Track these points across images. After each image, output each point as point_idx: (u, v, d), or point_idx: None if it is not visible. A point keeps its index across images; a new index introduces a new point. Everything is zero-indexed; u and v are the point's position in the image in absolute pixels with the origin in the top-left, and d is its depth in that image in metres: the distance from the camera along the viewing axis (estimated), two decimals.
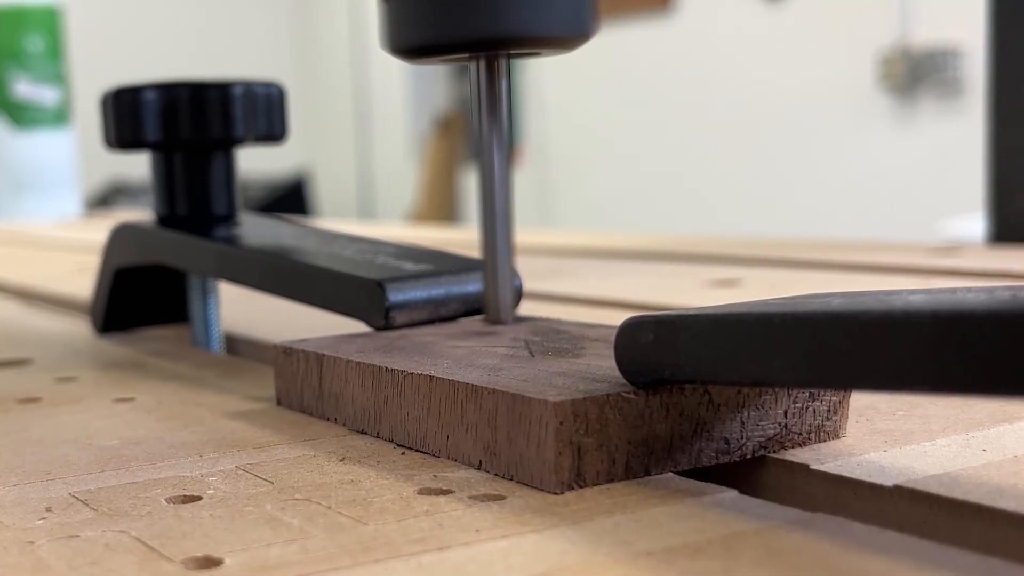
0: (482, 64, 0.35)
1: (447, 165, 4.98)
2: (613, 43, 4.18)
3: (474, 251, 0.45)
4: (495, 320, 0.37)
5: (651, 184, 4.11)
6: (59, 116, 1.74)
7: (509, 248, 0.36)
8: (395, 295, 0.38)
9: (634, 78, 4.13)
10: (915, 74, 3.29)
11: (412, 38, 0.33)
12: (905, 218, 3.32)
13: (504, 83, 0.35)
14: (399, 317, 0.38)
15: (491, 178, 0.35)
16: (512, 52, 0.35)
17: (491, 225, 0.36)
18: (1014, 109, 0.82)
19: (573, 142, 4.43)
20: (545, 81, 4.51)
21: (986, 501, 0.24)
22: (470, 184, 5.00)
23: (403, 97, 5.15)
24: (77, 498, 0.28)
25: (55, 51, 1.74)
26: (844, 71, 3.48)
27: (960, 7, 3.05)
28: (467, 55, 0.34)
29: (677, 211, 4.00)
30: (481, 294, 0.40)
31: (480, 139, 0.35)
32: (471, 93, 0.35)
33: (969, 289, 0.23)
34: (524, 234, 1.13)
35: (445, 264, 0.41)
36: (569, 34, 0.33)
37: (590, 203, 4.37)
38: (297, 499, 0.27)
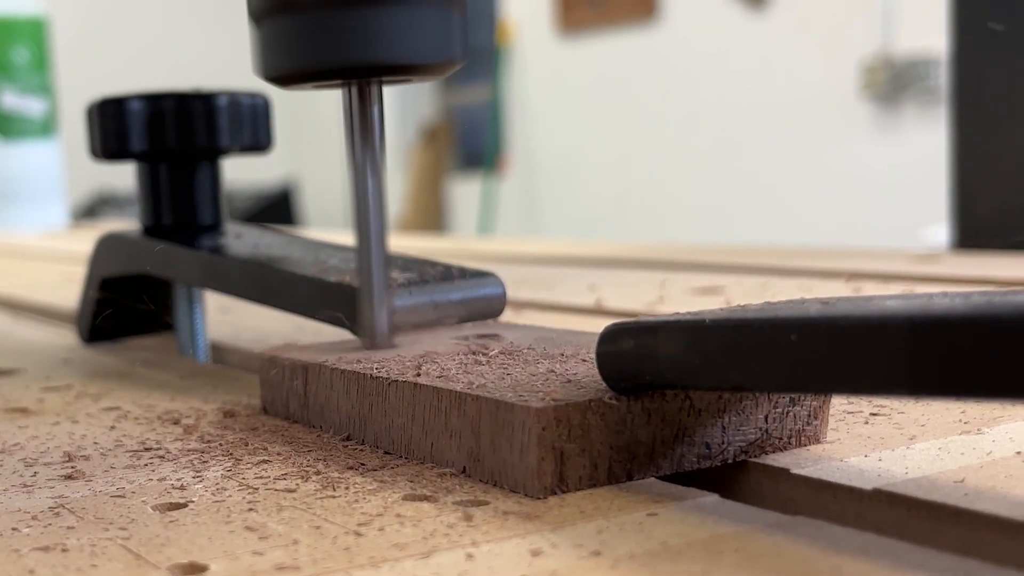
0: (354, 90, 0.35)
1: (433, 175, 4.98)
2: (598, 52, 4.19)
3: (462, 259, 0.46)
4: (371, 345, 0.36)
5: (635, 192, 4.11)
6: (45, 127, 1.74)
7: (384, 273, 0.36)
8: None
9: (619, 86, 4.13)
10: (897, 82, 3.30)
11: (283, 65, 0.34)
12: (887, 225, 3.33)
13: (376, 109, 0.35)
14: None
15: (365, 204, 0.35)
16: (383, 79, 0.35)
17: (366, 250, 0.36)
18: (975, 118, 0.83)
19: (558, 150, 4.43)
20: (530, 90, 4.52)
21: (963, 504, 0.24)
22: (456, 194, 5.00)
23: (389, 107, 5.15)
24: (63, 506, 0.28)
25: (41, 62, 1.74)
26: (827, 79, 3.49)
27: (941, 16, 3.06)
28: (339, 82, 0.35)
29: (661, 219, 4.01)
30: (469, 301, 0.40)
31: (353, 164, 0.35)
32: (344, 119, 0.35)
33: (945, 294, 0.24)
34: (509, 242, 1.13)
35: (430, 273, 0.41)
36: (437, 61, 0.34)
37: (575, 211, 4.38)
38: (282, 506, 0.27)
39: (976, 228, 0.83)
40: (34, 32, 1.73)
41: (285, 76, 0.34)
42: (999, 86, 0.82)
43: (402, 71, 0.34)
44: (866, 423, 0.32)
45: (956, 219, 0.84)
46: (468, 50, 0.34)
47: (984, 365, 0.20)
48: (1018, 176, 0.81)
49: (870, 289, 0.59)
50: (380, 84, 0.35)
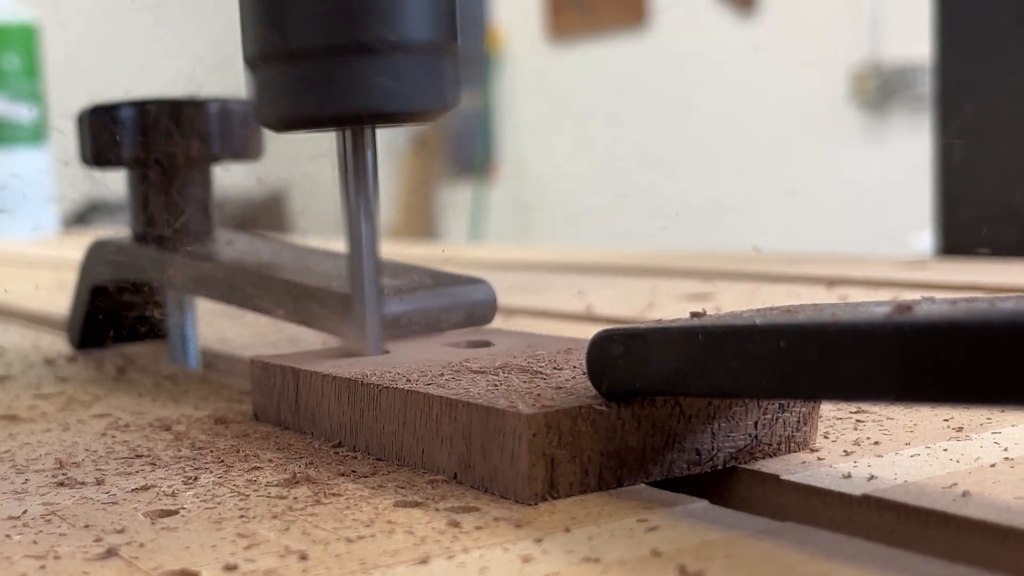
0: (348, 136, 0.36)
1: (424, 182, 4.98)
2: (588, 59, 4.20)
3: (452, 266, 0.46)
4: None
5: (625, 199, 4.12)
6: (35, 134, 1.74)
7: (378, 314, 0.36)
8: None
9: (609, 93, 4.14)
10: (885, 90, 3.31)
11: (280, 112, 0.34)
12: (876, 231, 3.33)
13: (369, 153, 0.36)
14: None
15: (359, 247, 0.36)
16: (376, 125, 0.35)
17: (359, 292, 0.36)
18: (959, 124, 0.83)
19: (548, 158, 4.43)
20: (521, 96, 4.52)
21: (952, 509, 0.24)
22: (447, 200, 5.00)
23: None
24: (55, 513, 0.28)
25: (31, 69, 1.74)
26: (816, 87, 3.50)
27: (929, 23, 3.07)
28: (332, 127, 0.35)
29: (651, 226, 4.01)
30: (460, 308, 0.40)
31: (347, 208, 0.36)
32: (338, 163, 0.36)
33: (932, 301, 0.24)
34: (499, 249, 1.13)
35: (421, 279, 0.41)
36: (430, 109, 0.34)
37: (565, 218, 4.38)
38: (274, 513, 0.27)
39: (960, 235, 0.84)
40: (24, 39, 1.73)
41: (281, 122, 0.35)
42: (983, 93, 0.82)
43: (395, 118, 0.34)
44: (855, 429, 0.32)
45: (940, 226, 0.85)
46: (460, 95, 0.35)
47: (972, 371, 0.20)
48: (1001, 183, 0.82)
49: (857, 296, 0.59)
50: (373, 129, 0.36)
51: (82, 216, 4.66)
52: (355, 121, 0.35)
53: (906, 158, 3.26)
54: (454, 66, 0.35)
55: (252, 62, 0.35)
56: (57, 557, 0.25)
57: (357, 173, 0.36)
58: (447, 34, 0.34)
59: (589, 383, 0.28)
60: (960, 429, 0.31)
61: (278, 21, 0.33)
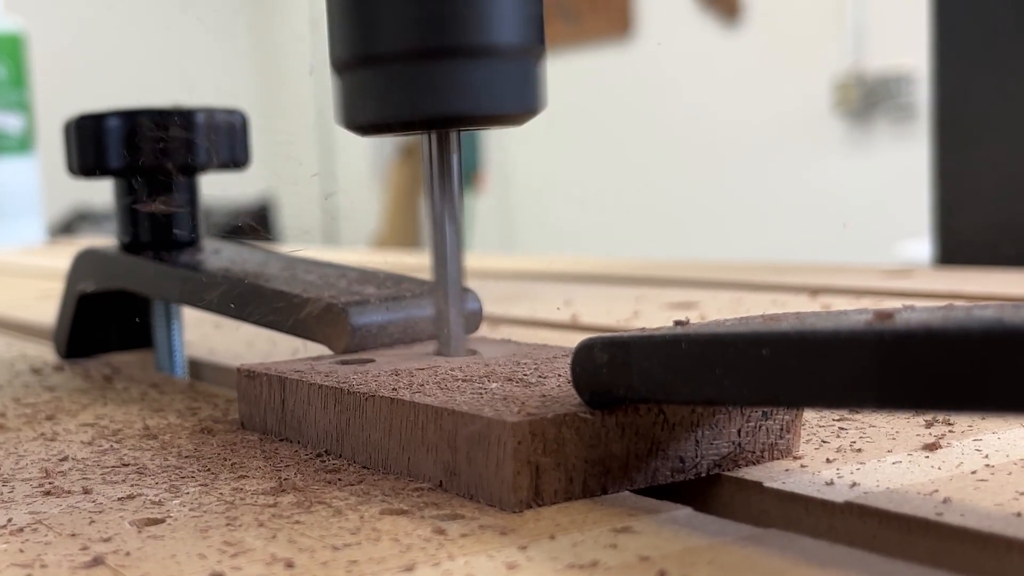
0: (434, 139, 0.36)
1: (410, 191, 4.98)
2: (573, 68, 4.20)
3: None
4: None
5: (610, 209, 4.12)
6: (23, 143, 1.74)
7: (461, 319, 0.37)
8: (357, 319, 0.39)
9: (594, 103, 4.15)
10: (869, 99, 3.32)
11: (367, 116, 0.34)
12: (860, 241, 3.34)
13: (455, 157, 0.36)
14: (361, 341, 0.39)
15: (443, 251, 0.36)
16: (462, 128, 0.36)
17: (444, 298, 0.36)
18: (956, 134, 0.84)
19: (533, 167, 4.44)
20: None
21: (933, 516, 0.24)
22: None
23: None
24: (41, 522, 0.28)
25: (18, 78, 1.73)
26: (800, 96, 3.51)
27: (913, 33, 3.09)
28: (420, 131, 0.35)
29: (636, 235, 4.02)
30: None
31: (432, 211, 0.36)
32: (424, 166, 0.36)
33: (913, 309, 0.24)
34: (485, 258, 1.13)
35: (407, 288, 0.41)
36: (516, 112, 0.34)
37: (551, 227, 4.38)
38: (260, 521, 0.27)
39: (957, 244, 0.84)
40: (11, 48, 1.73)
41: (368, 126, 0.35)
42: (979, 102, 0.82)
43: (483, 122, 0.34)
44: (837, 436, 0.32)
45: (937, 235, 0.85)
46: (546, 98, 0.35)
47: (951, 379, 0.20)
48: (998, 192, 0.82)
49: (841, 305, 0.59)
50: (459, 132, 0.36)
51: (68, 225, 4.65)
52: (443, 124, 0.35)
53: (890, 168, 3.27)
54: (541, 70, 0.35)
55: (339, 66, 0.35)
56: (43, 566, 0.25)
57: (442, 176, 0.36)
58: (535, 37, 0.34)
59: (574, 391, 0.29)
60: (942, 436, 0.32)
61: (368, 24, 0.33)
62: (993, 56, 0.81)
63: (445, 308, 0.36)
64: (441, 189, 0.36)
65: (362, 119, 0.35)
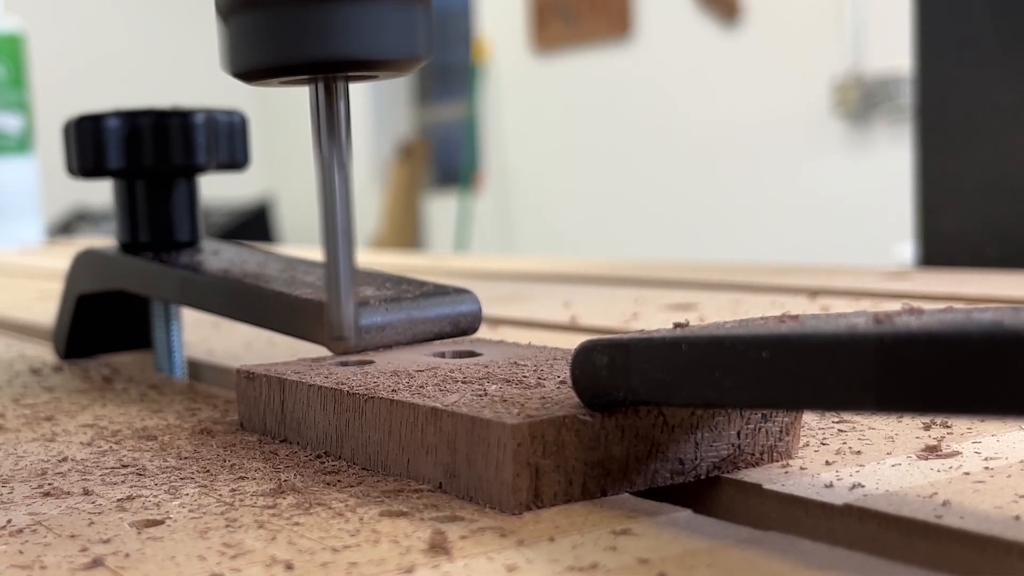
0: (320, 86, 0.35)
1: (409, 191, 4.98)
2: (573, 69, 4.20)
3: (437, 276, 0.46)
4: (338, 336, 0.36)
5: (610, 210, 4.12)
6: (22, 144, 1.74)
7: (351, 268, 0.36)
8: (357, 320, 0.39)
9: (593, 103, 4.15)
10: (868, 101, 3.33)
11: (250, 60, 0.34)
12: (859, 242, 3.35)
13: (342, 104, 0.35)
14: (360, 342, 0.39)
15: (332, 199, 0.35)
16: (349, 75, 0.35)
17: (333, 246, 0.35)
18: (939, 137, 0.84)
19: (533, 168, 4.44)
20: (505, 107, 4.53)
21: (932, 519, 0.24)
22: (432, 210, 5.00)
23: (365, 123, 5.16)
24: (41, 523, 0.28)
25: (17, 79, 1.73)
26: (799, 98, 3.51)
27: (911, 35, 3.09)
28: (305, 77, 0.35)
29: (635, 236, 4.02)
30: (445, 318, 0.40)
31: (320, 160, 0.35)
32: (311, 115, 0.36)
33: (913, 311, 0.24)
34: (484, 259, 1.13)
35: (407, 289, 0.41)
36: (402, 57, 0.34)
37: (550, 229, 4.39)
38: (260, 522, 0.27)
39: (941, 246, 0.84)
40: (10, 48, 1.73)
41: (252, 71, 0.34)
42: (963, 105, 0.83)
43: (368, 66, 0.34)
44: (837, 438, 0.32)
45: (921, 237, 0.85)
46: (434, 47, 0.35)
47: (950, 382, 0.20)
48: (982, 194, 0.82)
49: (839, 306, 0.59)
50: (346, 80, 0.35)
51: (67, 226, 4.65)
52: (327, 69, 0.34)
53: (888, 169, 3.27)
54: (427, 16, 0.34)
55: (223, 11, 0.34)
56: (43, 567, 0.25)
57: (330, 126, 0.35)
58: None
59: (573, 393, 0.29)
60: (941, 439, 0.32)
61: None
62: (976, 59, 0.81)
63: (334, 262, 0.35)
64: (329, 139, 0.35)
65: (246, 64, 0.34)
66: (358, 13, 0.33)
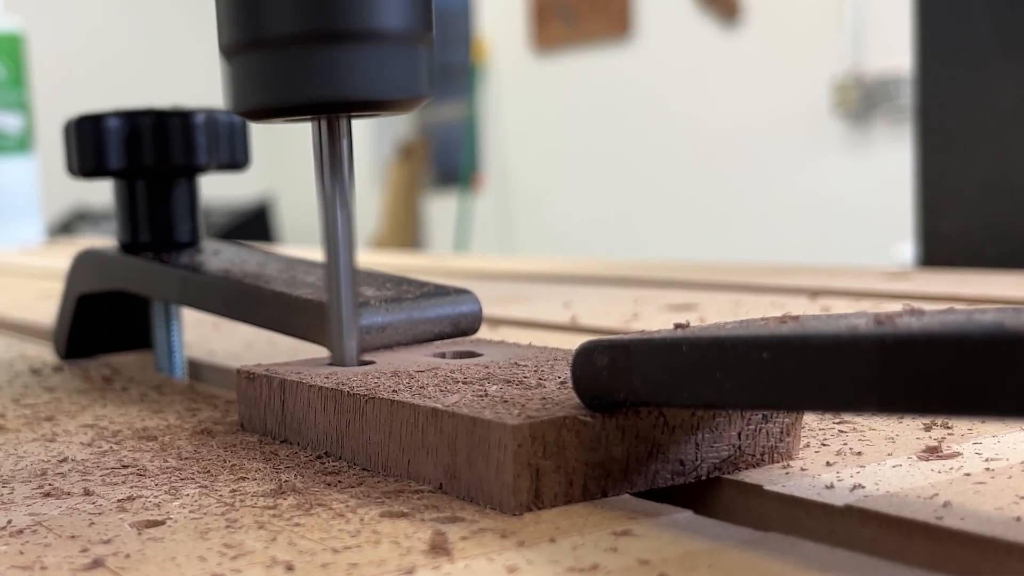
0: (323, 124, 0.36)
1: (409, 191, 4.98)
2: (573, 69, 4.20)
3: (437, 277, 0.46)
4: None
5: (610, 210, 4.12)
6: (22, 143, 1.74)
7: (354, 304, 0.36)
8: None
9: (593, 103, 4.15)
10: (868, 101, 3.33)
11: (254, 100, 0.34)
12: (859, 242, 3.35)
13: (345, 143, 0.36)
14: (361, 342, 0.39)
15: (335, 237, 0.36)
16: (351, 114, 0.35)
17: (335, 282, 0.36)
18: (939, 137, 0.84)
19: (533, 168, 4.44)
20: (505, 107, 4.53)
21: (933, 520, 0.24)
22: (432, 210, 5.00)
23: (365, 123, 5.16)
24: (41, 524, 0.28)
25: (17, 78, 1.73)
26: (799, 98, 3.51)
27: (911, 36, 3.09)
28: (308, 116, 0.35)
29: (635, 236, 4.02)
30: (446, 318, 0.40)
31: (323, 198, 0.36)
32: (314, 153, 0.36)
33: (914, 312, 0.24)
34: (484, 260, 1.13)
35: (407, 290, 0.41)
36: (404, 97, 0.34)
37: (550, 229, 4.39)
38: (260, 523, 0.27)
39: (941, 246, 0.84)
40: (10, 48, 1.73)
41: (255, 111, 0.34)
42: (963, 105, 0.83)
43: (370, 107, 0.34)
44: (838, 439, 0.32)
45: (921, 237, 0.86)
46: (435, 85, 0.35)
47: (951, 383, 0.20)
48: (982, 194, 0.82)
49: (840, 307, 0.59)
50: (349, 119, 0.36)
51: (67, 226, 4.65)
52: (330, 109, 0.34)
53: (888, 169, 3.27)
54: (429, 56, 0.35)
55: (227, 51, 0.35)
56: (43, 568, 0.25)
57: (333, 164, 0.36)
58: (423, 23, 0.34)
59: (574, 394, 0.29)
60: (941, 440, 0.32)
61: (254, 8, 0.33)
62: (976, 59, 0.82)
63: (337, 299, 0.36)
64: (332, 176, 0.36)
65: (249, 104, 0.34)
66: (360, 54, 0.33)
